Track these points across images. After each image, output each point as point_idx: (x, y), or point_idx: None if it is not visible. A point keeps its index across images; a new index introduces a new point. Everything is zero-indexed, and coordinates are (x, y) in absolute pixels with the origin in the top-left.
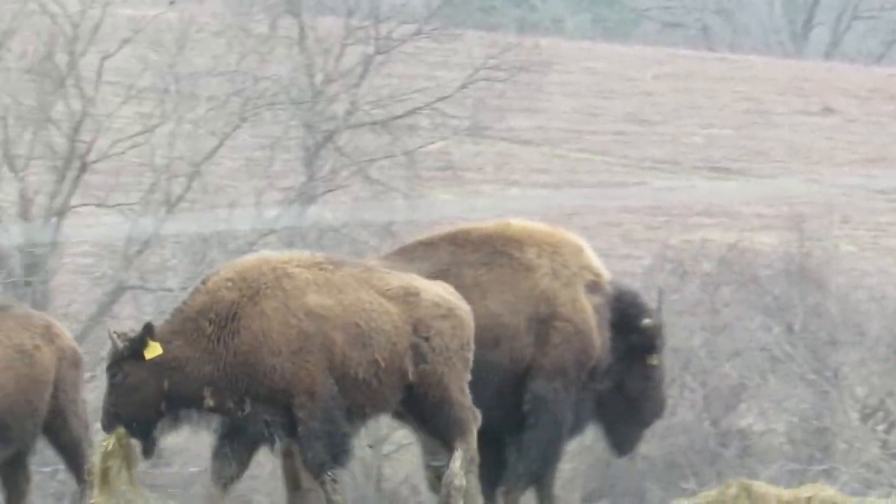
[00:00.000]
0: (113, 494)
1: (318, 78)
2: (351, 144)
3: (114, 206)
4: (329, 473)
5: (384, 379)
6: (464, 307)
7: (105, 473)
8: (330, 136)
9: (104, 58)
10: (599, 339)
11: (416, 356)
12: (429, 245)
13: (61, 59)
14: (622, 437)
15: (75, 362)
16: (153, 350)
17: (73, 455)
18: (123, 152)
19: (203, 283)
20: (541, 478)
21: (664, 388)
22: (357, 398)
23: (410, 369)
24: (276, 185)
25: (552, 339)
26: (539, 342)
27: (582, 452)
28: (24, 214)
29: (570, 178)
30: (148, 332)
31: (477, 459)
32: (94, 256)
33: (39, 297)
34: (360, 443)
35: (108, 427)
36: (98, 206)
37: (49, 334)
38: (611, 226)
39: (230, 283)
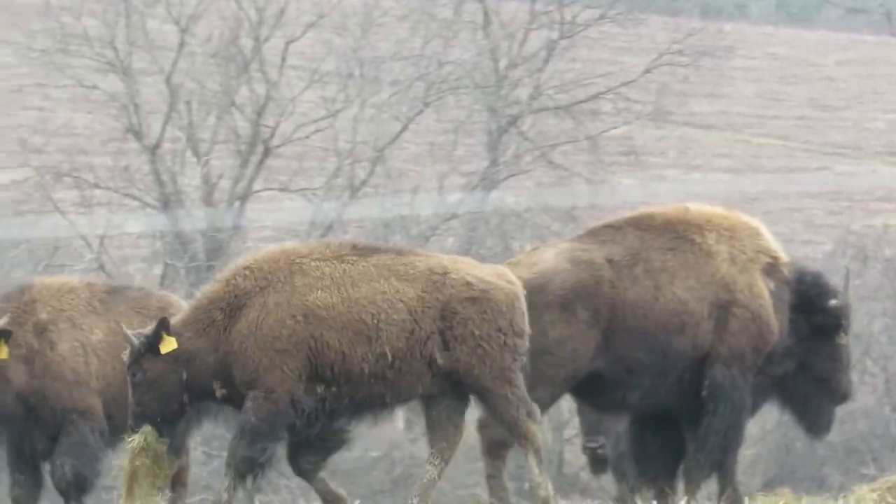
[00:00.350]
0: (142, 494)
1: (502, 62)
2: (534, 129)
3: (297, 190)
4: (241, 474)
5: (403, 368)
6: (503, 289)
7: (134, 473)
8: (513, 121)
9: (288, 42)
10: (777, 323)
11: (441, 342)
12: (617, 229)
13: (246, 43)
14: (815, 419)
15: None
16: (168, 344)
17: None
18: (307, 137)
19: (222, 272)
20: (722, 464)
21: (851, 368)
22: (372, 390)
23: (438, 355)
24: (458, 169)
25: (730, 325)
26: (718, 329)
27: (763, 438)
28: (208, 199)
29: (751, 163)
30: (162, 326)
31: (541, 456)
32: (276, 241)
33: None
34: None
35: (136, 426)
36: (281, 190)
37: (166, 314)
38: (792, 211)
39: (247, 273)
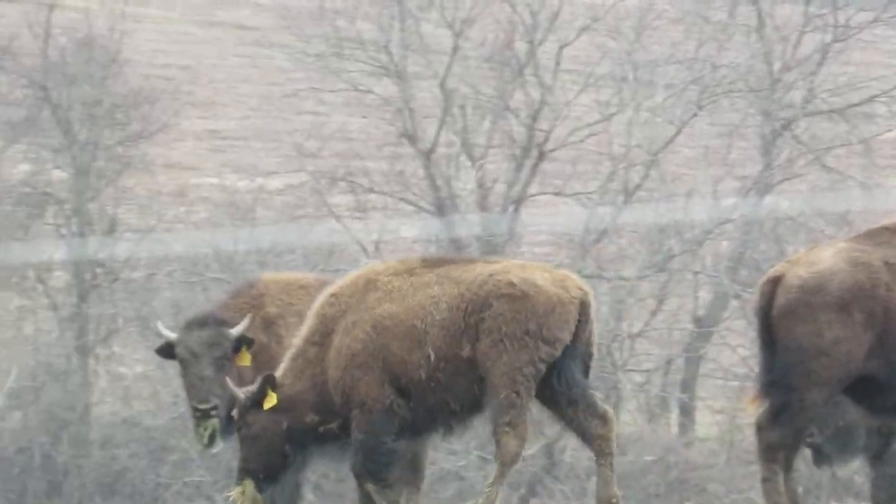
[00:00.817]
0: None
1: (776, 66)
2: (808, 133)
3: (571, 194)
4: (371, 483)
5: (446, 369)
6: (549, 293)
7: None
8: (787, 125)
9: (562, 46)
10: None
11: (474, 334)
12: (893, 232)
13: (520, 47)
14: None
15: None
16: (270, 400)
17: None
18: (581, 140)
19: (312, 307)
20: None
21: None
22: (437, 396)
23: (466, 347)
24: (732, 173)
25: None
26: None
27: None
28: (482, 203)
29: None
30: (267, 382)
31: (505, 471)
32: (550, 245)
33: None
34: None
35: (240, 480)
36: (556, 194)
37: None
38: None
39: (333, 300)
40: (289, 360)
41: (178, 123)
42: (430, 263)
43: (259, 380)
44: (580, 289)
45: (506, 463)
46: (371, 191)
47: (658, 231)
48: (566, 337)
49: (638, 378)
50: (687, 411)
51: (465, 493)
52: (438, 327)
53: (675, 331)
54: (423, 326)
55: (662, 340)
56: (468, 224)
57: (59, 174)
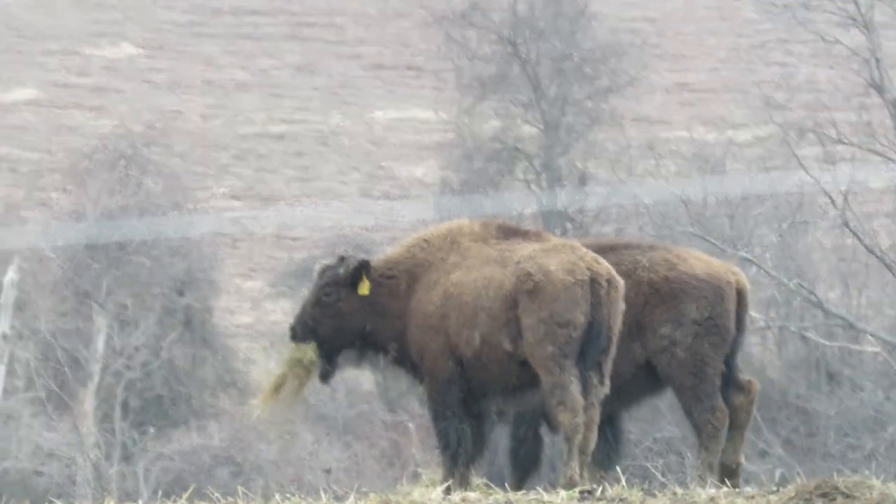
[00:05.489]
0: (278, 404)
1: None
2: None
3: None
4: (453, 460)
5: (492, 357)
6: (554, 279)
7: (282, 381)
8: None
9: None
10: None
11: (512, 328)
12: None
13: None
14: None
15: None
16: (364, 287)
17: None
18: None
19: (407, 238)
20: None
21: None
22: (482, 376)
23: (506, 340)
24: None
25: None
26: None
27: None
28: None
29: None
30: (364, 267)
31: (573, 443)
32: None
33: None
34: None
35: (301, 338)
36: None
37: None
38: None
39: (425, 245)
40: (386, 269)
41: (647, 77)
42: (504, 233)
43: (357, 260)
44: (589, 269)
45: (570, 437)
46: (839, 142)
47: None
48: (579, 318)
49: None
50: None
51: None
52: (486, 315)
53: None
54: (475, 307)
55: None
56: None
57: (528, 129)
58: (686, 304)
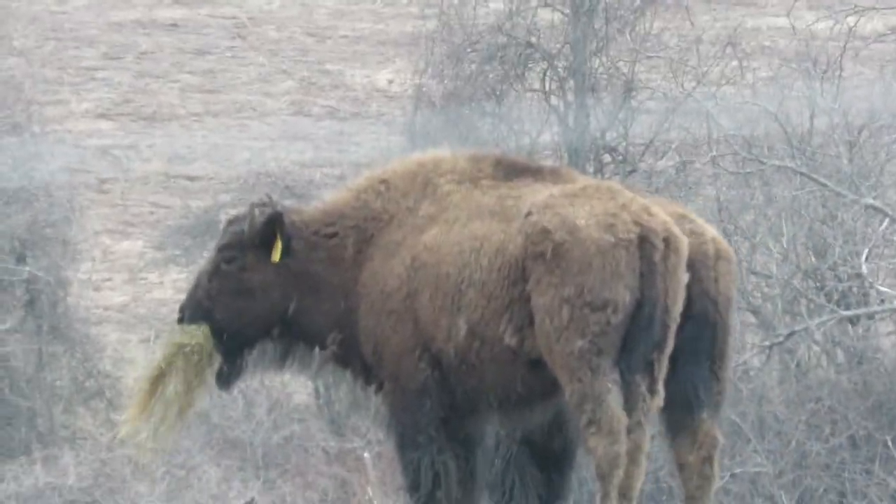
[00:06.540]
0: (158, 419)
1: None
2: None
3: None
4: (417, 492)
5: (487, 356)
6: (584, 240)
7: (158, 382)
8: None
9: None
10: None
11: (516, 312)
12: None
13: None
14: None
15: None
16: (277, 251)
17: None
18: None
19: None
20: None
21: None
22: (470, 384)
23: (508, 329)
24: None
25: None
26: None
27: None
28: None
29: None
30: (276, 221)
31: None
32: None
33: None
34: None
35: (191, 320)
36: None
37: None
38: None
39: (383, 188)
40: (320, 225)
41: None
42: (505, 171)
43: (267, 212)
44: (638, 224)
45: (605, 473)
46: None
47: None
48: (622, 297)
49: None
50: None
51: None
52: (478, 290)
53: None
54: (458, 282)
55: None
56: None
57: (548, 15)
58: None
